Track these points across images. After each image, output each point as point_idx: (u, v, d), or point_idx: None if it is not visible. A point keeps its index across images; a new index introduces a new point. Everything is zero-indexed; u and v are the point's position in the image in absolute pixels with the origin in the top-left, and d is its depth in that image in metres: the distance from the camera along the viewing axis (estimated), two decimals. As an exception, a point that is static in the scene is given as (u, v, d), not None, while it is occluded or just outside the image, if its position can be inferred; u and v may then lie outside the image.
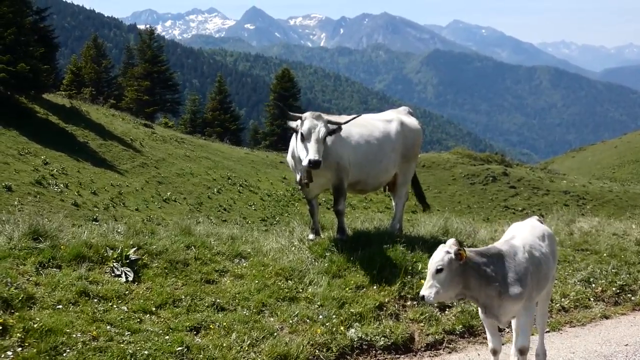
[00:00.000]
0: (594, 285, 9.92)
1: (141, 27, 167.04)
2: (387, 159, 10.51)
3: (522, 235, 6.59)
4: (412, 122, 11.07)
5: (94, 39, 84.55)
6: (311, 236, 10.32)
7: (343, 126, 9.99)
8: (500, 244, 6.40)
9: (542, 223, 6.96)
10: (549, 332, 8.46)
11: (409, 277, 8.85)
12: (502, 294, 6.06)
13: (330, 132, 9.39)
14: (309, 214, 10.88)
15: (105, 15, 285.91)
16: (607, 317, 9.13)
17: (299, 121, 9.35)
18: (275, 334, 7.22)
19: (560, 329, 8.62)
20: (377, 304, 8.19)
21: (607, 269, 10.37)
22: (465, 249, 5.95)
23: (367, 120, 10.68)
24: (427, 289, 5.90)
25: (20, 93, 46.02)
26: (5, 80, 43.37)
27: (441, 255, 5.91)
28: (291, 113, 9.67)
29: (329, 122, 9.47)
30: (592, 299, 9.57)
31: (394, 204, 11.49)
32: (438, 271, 5.89)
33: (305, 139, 9.16)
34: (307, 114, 9.45)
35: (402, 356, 7.61)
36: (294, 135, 9.68)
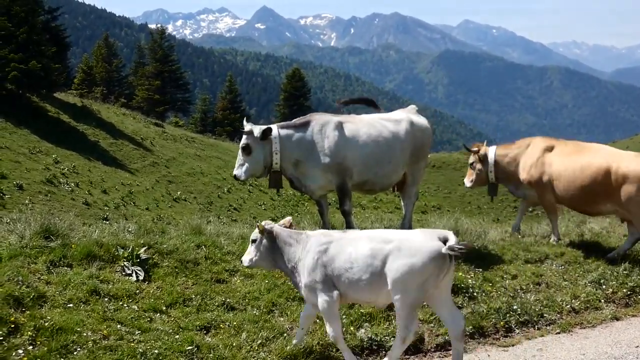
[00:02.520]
0: (604, 286, 9.87)
1: (152, 26, 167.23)
2: (396, 159, 10.45)
3: (373, 232, 6.82)
4: (422, 121, 10.96)
5: (105, 38, 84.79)
6: None
7: (350, 126, 10.16)
8: (317, 231, 7.08)
9: (442, 240, 6.42)
10: (559, 333, 8.45)
11: (419, 277, 8.82)
12: (294, 275, 6.91)
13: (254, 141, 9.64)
14: (318, 214, 10.92)
15: (117, 15, 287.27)
16: (617, 319, 9.09)
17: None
18: (285, 333, 7.23)
19: (571, 330, 8.59)
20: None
21: (618, 270, 10.32)
22: (275, 227, 7.01)
23: (377, 120, 10.61)
24: (245, 256, 7.14)
25: (32, 92, 46.27)
26: (17, 79, 43.58)
27: (256, 229, 7.06)
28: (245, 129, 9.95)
29: (249, 132, 9.66)
30: (602, 301, 9.52)
31: (403, 204, 11.48)
32: (253, 241, 7.07)
33: None
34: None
35: (412, 357, 7.60)
36: None
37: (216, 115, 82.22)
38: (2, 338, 6.04)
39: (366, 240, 6.61)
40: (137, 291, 7.59)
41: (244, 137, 9.65)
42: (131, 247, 8.33)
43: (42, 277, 7.38)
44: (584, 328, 8.72)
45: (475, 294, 8.89)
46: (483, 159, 11.92)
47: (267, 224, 7.01)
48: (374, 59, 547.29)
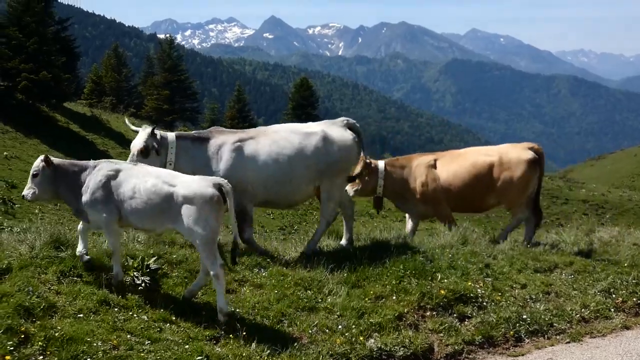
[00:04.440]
0: (614, 295, 9.86)
1: (161, 36, 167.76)
2: (298, 177, 9.83)
3: (159, 172, 7.77)
4: (341, 136, 10.17)
5: (114, 48, 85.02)
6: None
7: (252, 144, 9.68)
8: (104, 160, 7.95)
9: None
10: (569, 342, 8.43)
11: (428, 287, 8.84)
12: (79, 202, 7.65)
13: (154, 146, 9.25)
14: None
15: (126, 25, 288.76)
16: (627, 328, 9.07)
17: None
18: (294, 344, 7.23)
19: (581, 340, 8.57)
20: (396, 314, 8.18)
21: (627, 279, 10.30)
22: (54, 159, 7.73)
23: (284, 134, 9.98)
24: (26, 190, 7.78)
25: (42, 102, 46.49)
26: (27, 89, 43.84)
27: (37, 162, 7.70)
28: (133, 127, 9.81)
29: (154, 135, 9.35)
30: (612, 310, 9.51)
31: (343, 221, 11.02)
32: (34, 176, 7.72)
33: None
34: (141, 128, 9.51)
35: (422, 366, 7.60)
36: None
37: (224, 124, 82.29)
38: (12, 348, 6.06)
39: (152, 177, 7.54)
40: (147, 301, 7.60)
41: (144, 137, 9.23)
42: (141, 257, 8.33)
43: (52, 287, 7.41)
44: (594, 337, 8.71)
45: (484, 303, 8.87)
46: (373, 172, 11.83)
47: (43, 157, 7.75)
48: (381, 68, 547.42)
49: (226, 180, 7.58)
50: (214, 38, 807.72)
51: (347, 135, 10.23)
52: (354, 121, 10.60)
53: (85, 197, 7.58)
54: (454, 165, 11.89)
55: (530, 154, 11.75)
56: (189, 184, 7.44)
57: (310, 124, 10.46)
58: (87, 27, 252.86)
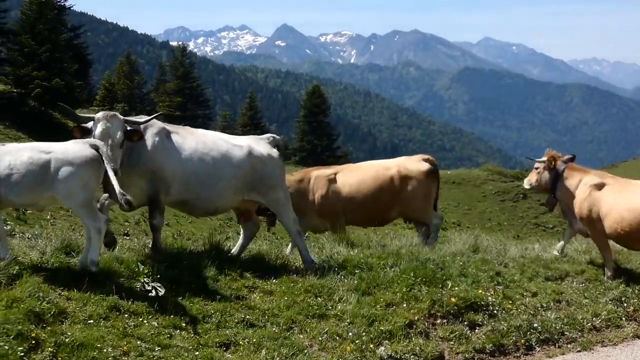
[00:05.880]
0: (625, 304, 9.81)
1: (173, 44, 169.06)
2: (224, 183, 9.44)
3: (34, 144, 7.83)
4: (267, 153, 9.90)
5: (127, 56, 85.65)
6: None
7: (177, 138, 9.30)
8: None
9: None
10: (580, 351, 8.39)
11: (439, 295, 8.82)
12: None
13: (128, 135, 8.61)
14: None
15: (139, 32, 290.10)
16: (639, 337, 9.02)
17: (91, 123, 8.65)
18: (304, 351, 7.22)
19: (592, 348, 8.54)
20: (406, 322, 8.16)
21: (639, 288, 10.25)
22: None
23: (212, 137, 9.73)
24: None
25: (54, 108, 46.76)
26: (40, 96, 44.22)
27: None
28: (81, 115, 9.10)
29: (127, 122, 8.74)
30: (624, 319, 9.46)
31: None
32: None
33: None
34: (100, 114, 8.66)
35: (431, 374, 7.58)
36: None
37: (236, 131, 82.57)
38: (23, 354, 6.06)
39: (27, 150, 7.59)
40: (157, 307, 7.60)
41: (120, 127, 8.50)
42: (151, 263, 8.35)
43: (62, 293, 7.41)
44: (605, 346, 8.67)
45: (495, 311, 8.85)
46: None
47: None
48: (393, 75, 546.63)
49: (102, 142, 7.86)
50: (226, 45, 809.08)
51: (274, 152, 10.01)
52: (279, 138, 10.44)
53: None
54: (356, 177, 12.12)
55: (427, 166, 12.19)
56: (65, 148, 7.68)
57: (243, 137, 10.27)
58: (100, 35, 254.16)
